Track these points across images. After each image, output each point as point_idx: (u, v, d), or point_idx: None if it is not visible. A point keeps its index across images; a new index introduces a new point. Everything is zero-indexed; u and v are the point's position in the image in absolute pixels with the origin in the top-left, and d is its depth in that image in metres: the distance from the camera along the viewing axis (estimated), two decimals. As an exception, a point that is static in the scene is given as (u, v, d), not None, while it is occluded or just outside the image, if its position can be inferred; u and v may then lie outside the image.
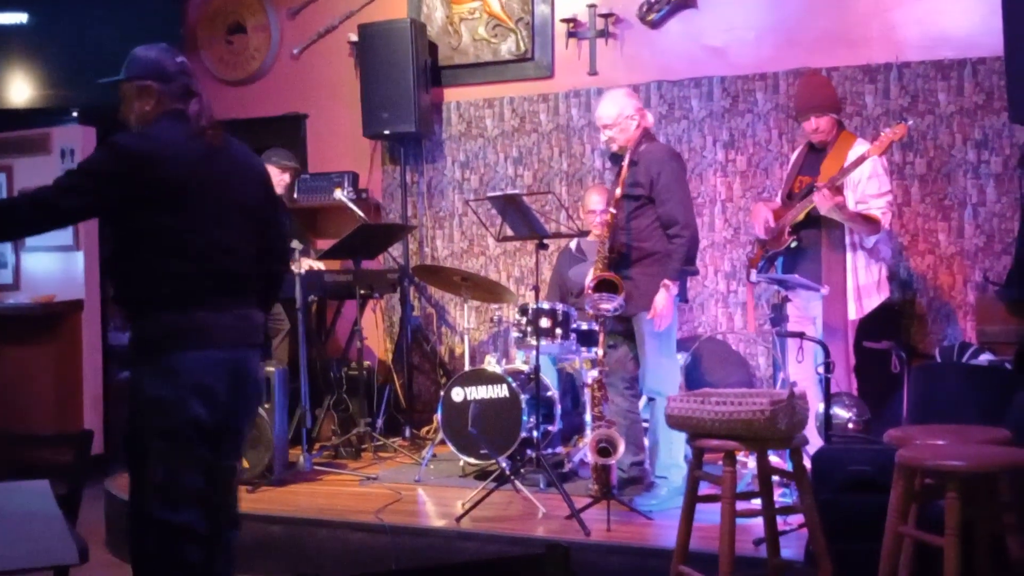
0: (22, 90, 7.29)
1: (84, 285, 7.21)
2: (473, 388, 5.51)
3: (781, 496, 4.32)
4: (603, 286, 4.78)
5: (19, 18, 7.24)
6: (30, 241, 7.30)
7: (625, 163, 4.91)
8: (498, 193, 5.85)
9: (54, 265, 7.28)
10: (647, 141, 4.99)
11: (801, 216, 5.04)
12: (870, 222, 4.91)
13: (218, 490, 3.28)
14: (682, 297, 5.08)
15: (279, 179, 6.00)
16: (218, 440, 3.22)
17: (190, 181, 3.15)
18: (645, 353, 4.96)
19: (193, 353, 3.10)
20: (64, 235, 7.19)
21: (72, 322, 7.17)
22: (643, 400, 5.13)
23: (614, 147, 5.06)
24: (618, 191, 4.88)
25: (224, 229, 3.23)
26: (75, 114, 7.25)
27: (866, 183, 4.93)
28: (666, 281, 4.81)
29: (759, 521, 3.63)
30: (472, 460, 5.52)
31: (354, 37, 6.94)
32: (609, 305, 4.78)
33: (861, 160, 4.85)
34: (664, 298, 4.80)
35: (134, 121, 3.27)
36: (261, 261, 3.42)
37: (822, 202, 4.85)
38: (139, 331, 3.15)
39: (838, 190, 4.89)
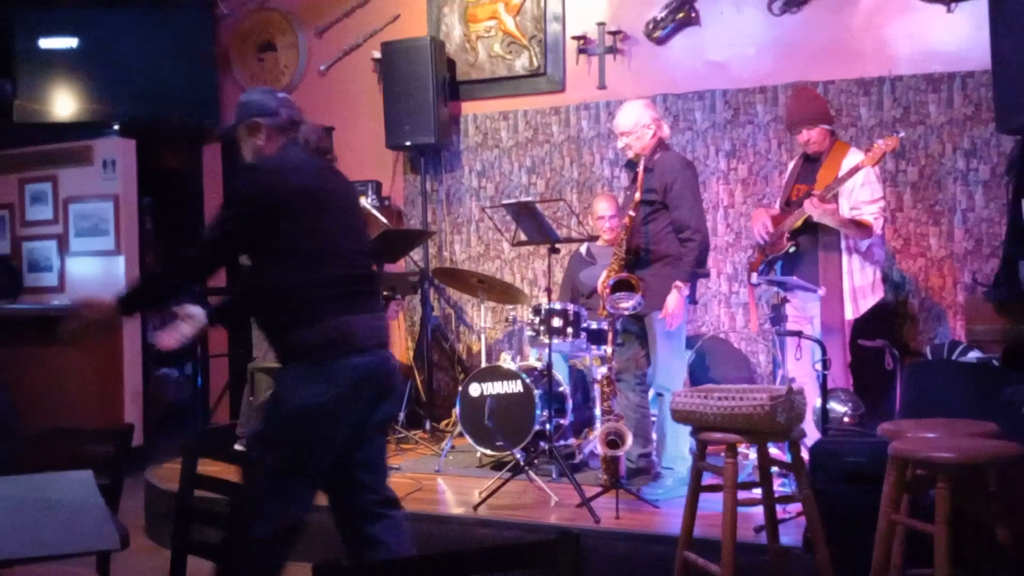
0: (67, 105, 7.33)
1: (126, 287, 7.23)
2: (489, 384, 5.52)
3: (780, 486, 4.31)
4: (621, 286, 4.79)
5: (70, 43, 7.30)
6: (73, 246, 7.35)
7: (640, 170, 4.91)
8: (512, 200, 5.85)
9: (96, 269, 7.31)
10: (662, 150, 4.98)
11: (799, 222, 5.04)
12: (862, 227, 4.90)
13: (377, 478, 3.34)
14: (692, 298, 5.08)
15: None
16: (368, 436, 3.26)
17: (317, 196, 3.20)
18: (656, 351, 4.95)
19: (355, 358, 3.11)
20: (106, 240, 7.24)
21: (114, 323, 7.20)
22: (651, 394, 5.12)
23: (630, 154, 5.05)
24: (637, 195, 4.87)
25: (347, 237, 3.27)
26: (116, 127, 7.28)
27: (859, 190, 4.93)
28: (678, 283, 4.80)
29: (759, 509, 3.63)
30: (488, 451, 5.53)
31: (377, 54, 6.96)
32: (628, 304, 4.77)
33: (855, 170, 4.85)
34: (676, 298, 4.79)
35: (251, 157, 3.36)
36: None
37: (812, 210, 4.86)
38: (295, 341, 3.13)
39: (832, 198, 4.89)
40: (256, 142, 3.30)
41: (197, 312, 3.29)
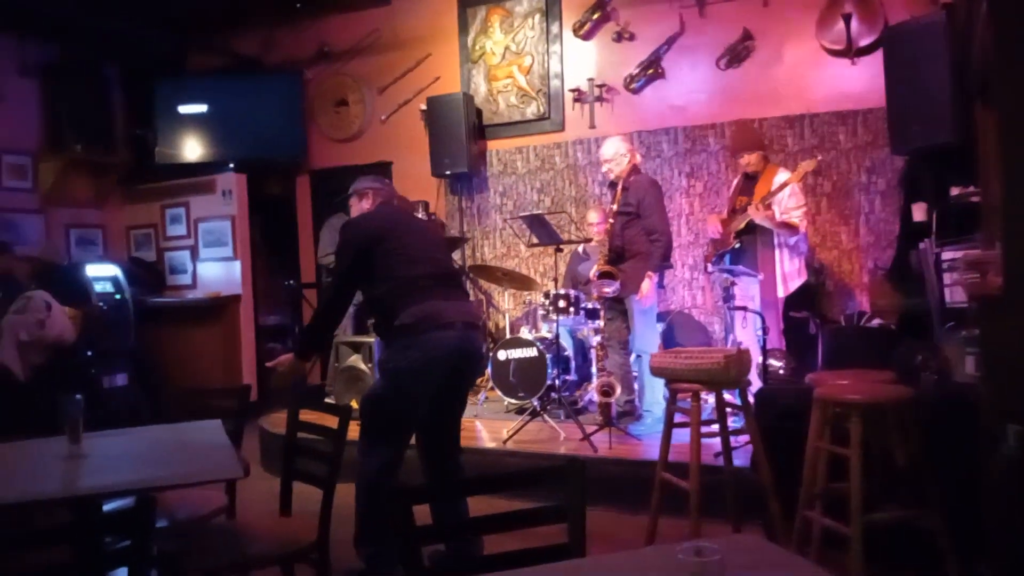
0: (195, 150, 7.38)
1: (241, 284, 7.28)
2: (512, 350, 5.52)
3: (733, 422, 4.29)
4: (604, 276, 4.80)
5: (201, 108, 7.36)
6: (202, 254, 7.40)
7: (619, 188, 4.90)
8: (527, 213, 5.85)
9: (220, 270, 7.36)
10: (635, 173, 4.98)
11: (742, 225, 5.02)
12: (791, 227, 4.88)
13: (447, 430, 3.39)
14: (660, 284, 5.08)
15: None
16: (446, 395, 3.28)
17: (394, 229, 3.31)
18: (634, 324, 4.95)
19: (439, 332, 3.13)
20: (226, 250, 7.28)
21: (233, 310, 7.26)
22: (633, 356, 5.12)
23: (611, 176, 5.05)
24: (614, 207, 4.87)
25: (424, 249, 3.33)
26: (231, 165, 7.32)
27: (787, 200, 4.91)
28: (649, 272, 4.80)
29: (717, 440, 3.62)
30: (513, 400, 5.54)
31: (424, 107, 6.95)
32: (609, 289, 4.82)
33: (785, 185, 4.84)
34: (648, 285, 4.79)
35: (354, 214, 3.54)
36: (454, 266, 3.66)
37: (754, 214, 4.84)
38: (395, 324, 3.16)
39: (767, 206, 4.87)
40: (361, 206, 3.52)
41: (286, 358, 3.34)
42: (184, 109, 7.35)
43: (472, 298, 6.99)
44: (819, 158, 5.17)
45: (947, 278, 3.90)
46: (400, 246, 3.25)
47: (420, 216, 6.63)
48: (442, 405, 3.30)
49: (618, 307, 5.05)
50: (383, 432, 3.18)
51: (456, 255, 6.88)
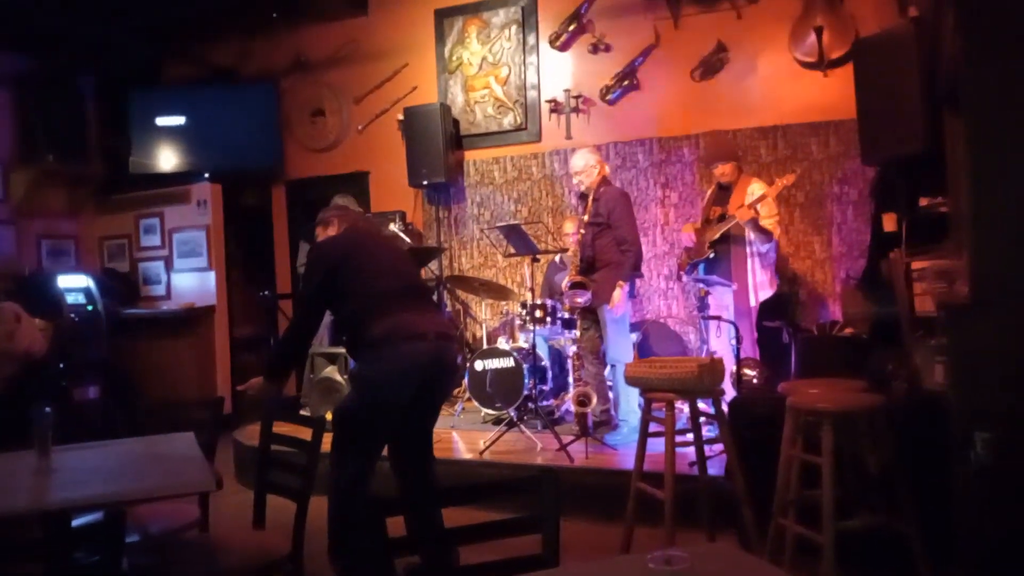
0: (170, 160, 7.32)
1: (215, 295, 7.23)
2: (489, 360, 5.52)
3: (707, 431, 4.31)
4: (576, 286, 4.83)
5: (177, 119, 7.31)
6: (177, 263, 7.34)
7: (590, 200, 4.93)
8: (504, 223, 5.86)
9: (194, 281, 7.30)
10: (605, 185, 5.01)
11: (717, 235, 5.06)
12: (766, 232, 4.93)
13: (419, 441, 3.40)
14: (632, 293, 5.11)
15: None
16: (419, 406, 3.26)
17: (360, 247, 3.34)
18: (607, 333, 4.96)
19: (407, 344, 3.14)
20: (200, 260, 7.22)
21: (207, 321, 7.20)
22: (608, 367, 5.13)
23: (582, 188, 5.08)
24: (585, 218, 4.91)
25: (386, 263, 3.35)
26: (207, 175, 7.27)
27: (762, 208, 4.95)
28: (620, 282, 4.82)
29: (692, 449, 3.64)
30: (490, 411, 5.53)
31: (401, 117, 6.94)
32: (581, 299, 4.84)
33: (762, 198, 4.89)
34: (619, 294, 4.81)
35: (320, 238, 3.54)
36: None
37: (742, 216, 4.87)
38: (364, 337, 3.18)
39: (750, 207, 4.92)
40: (326, 232, 3.52)
41: (255, 382, 3.33)
42: (159, 119, 7.29)
43: (449, 308, 6.98)
44: (797, 172, 5.23)
45: (916, 287, 3.95)
46: (367, 263, 3.28)
47: (393, 228, 6.62)
48: (415, 416, 3.30)
49: (592, 317, 5.06)
50: (356, 444, 3.17)
51: (433, 265, 6.88)
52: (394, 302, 3.21)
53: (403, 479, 3.40)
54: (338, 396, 5.25)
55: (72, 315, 6.17)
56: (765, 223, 4.92)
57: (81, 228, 7.65)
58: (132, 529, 2.66)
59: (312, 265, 3.34)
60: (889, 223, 4.74)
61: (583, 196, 5.11)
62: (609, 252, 4.92)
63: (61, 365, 5.98)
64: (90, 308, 6.35)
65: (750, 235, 4.97)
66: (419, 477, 3.38)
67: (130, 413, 6.10)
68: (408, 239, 6.54)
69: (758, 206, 4.91)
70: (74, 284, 6.39)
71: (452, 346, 3.38)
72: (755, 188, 4.98)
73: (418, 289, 3.44)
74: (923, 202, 4.37)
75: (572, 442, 4.59)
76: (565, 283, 4.93)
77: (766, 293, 5.05)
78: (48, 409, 2.50)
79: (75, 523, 2.17)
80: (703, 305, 5.23)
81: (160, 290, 7.45)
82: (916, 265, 3.98)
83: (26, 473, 2.39)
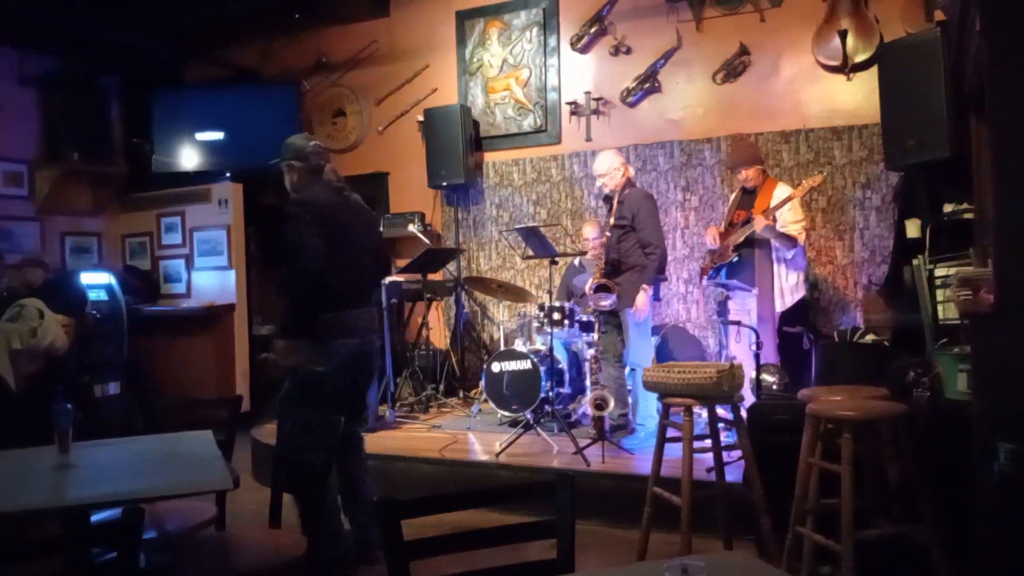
0: (192, 159, 7.38)
1: (235, 293, 7.27)
2: (506, 362, 5.51)
3: (725, 437, 4.29)
4: (601, 289, 4.80)
5: (199, 119, 7.36)
6: (197, 263, 7.39)
7: (614, 202, 4.91)
8: (522, 226, 5.86)
9: (214, 280, 7.34)
10: (630, 187, 4.98)
11: (741, 239, 5.02)
12: (790, 239, 4.89)
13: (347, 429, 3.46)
14: (656, 297, 5.08)
15: None
16: (348, 398, 3.45)
17: (332, 221, 3.32)
18: (629, 337, 4.95)
19: (343, 340, 3.34)
20: (221, 259, 7.27)
21: (227, 319, 7.24)
22: (627, 370, 5.11)
23: (606, 190, 5.06)
24: (611, 220, 4.88)
25: (353, 254, 3.40)
26: (228, 175, 7.32)
27: (786, 213, 4.92)
28: (644, 285, 4.80)
29: (710, 455, 3.61)
30: (506, 413, 5.53)
31: (421, 118, 6.97)
32: (606, 302, 4.81)
33: (788, 199, 4.85)
34: (643, 298, 4.79)
35: (290, 188, 3.53)
36: (375, 275, 3.78)
37: (759, 223, 4.84)
38: (305, 329, 3.27)
39: (771, 217, 4.88)
40: (292, 177, 3.50)
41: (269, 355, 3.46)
42: (182, 119, 7.34)
43: (467, 309, 7.01)
44: (824, 173, 5.19)
45: (940, 295, 3.90)
46: (335, 248, 3.30)
47: (412, 229, 6.66)
48: (349, 403, 3.49)
49: (613, 320, 5.04)
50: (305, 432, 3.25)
51: (452, 266, 6.89)
52: (342, 296, 3.34)
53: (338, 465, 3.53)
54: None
55: (94, 312, 6.23)
56: (791, 229, 4.88)
57: (104, 226, 7.73)
58: (149, 526, 2.68)
59: (296, 217, 3.27)
60: (912, 229, 4.70)
61: (607, 198, 5.09)
62: (633, 255, 4.90)
63: (83, 362, 6.03)
64: (112, 305, 6.41)
65: (774, 241, 4.93)
66: (350, 461, 3.57)
67: (149, 410, 6.16)
68: (427, 240, 6.56)
69: (780, 212, 4.88)
70: (97, 281, 6.45)
71: (374, 342, 3.63)
72: (780, 192, 4.94)
73: (366, 287, 3.59)
74: (947, 208, 4.33)
75: (589, 445, 4.58)
76: (589, 285, 4.91)
77: (793, 298, 5.01)
78: (69, 406, 2.52)
79: (93, 519, 2.20)
80: (723, 310, 5.20)
81: (181, 288, 7.51)
82: (940, 272, 3.94)
83: (46, 469, 2.42)
